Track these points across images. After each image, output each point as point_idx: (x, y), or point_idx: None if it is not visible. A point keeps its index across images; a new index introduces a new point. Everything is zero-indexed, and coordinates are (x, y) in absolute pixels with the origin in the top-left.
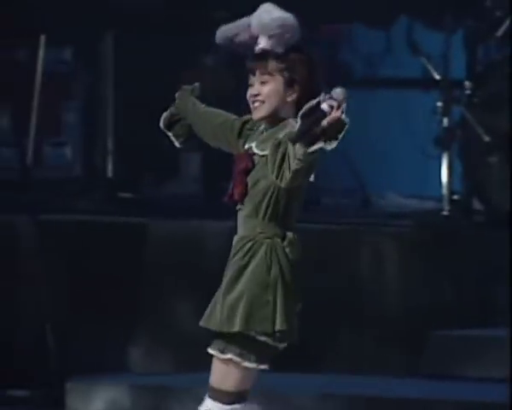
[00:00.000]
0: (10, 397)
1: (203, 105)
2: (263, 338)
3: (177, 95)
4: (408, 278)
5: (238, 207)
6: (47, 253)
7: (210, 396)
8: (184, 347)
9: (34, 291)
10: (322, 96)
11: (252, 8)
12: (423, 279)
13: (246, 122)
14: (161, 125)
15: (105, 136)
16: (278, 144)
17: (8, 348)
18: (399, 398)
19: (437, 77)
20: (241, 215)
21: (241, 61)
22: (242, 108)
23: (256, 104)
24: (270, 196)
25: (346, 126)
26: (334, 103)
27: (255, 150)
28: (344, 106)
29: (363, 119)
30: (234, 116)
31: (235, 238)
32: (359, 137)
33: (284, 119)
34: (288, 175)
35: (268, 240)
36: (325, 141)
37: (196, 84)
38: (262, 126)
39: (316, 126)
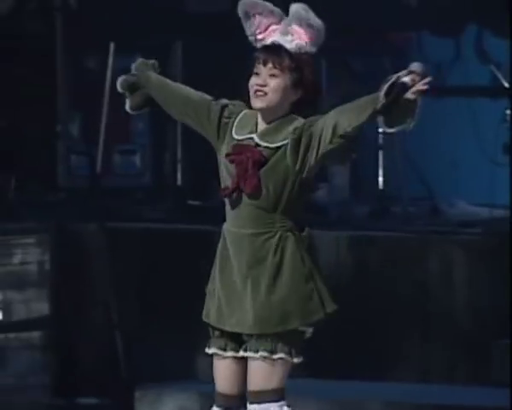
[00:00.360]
0: (80, 405)
1: (168, 80)
2: (309, 329)
3: (134, 66)
4: (477, 286)
5: (247, 201)
6: (116, 260)
7: (254, 401)
8: None
9: (103, 299)
10: (400, 73)
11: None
12: (492, 287)
13: (223, 108)
14: (119, 87)
15: (174, 144)
16: (299, 136)
17: (77, 356)
18: (467, 406)
19: (506, 85)
20: (247, 209)
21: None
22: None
23: (259, 93)
24: (291, 190)
25: (419, 104)
26: (417, 77)
27: (261, 142)
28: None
29: (431, 127)
30: (208, 96)
31: (237, 233)
32: (428, 145)
33: (282, 116)
34: (312, 162)
35: (289, 233)
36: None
37: (154, 61)
38: (241, 114)
39: (400, 100)
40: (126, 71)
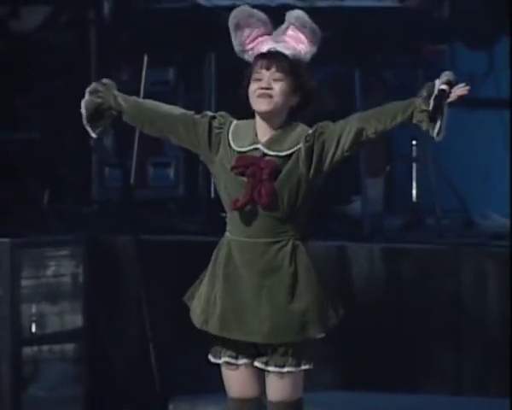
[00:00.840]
0: None
1: (135, 98)
2: (321, 335)
3: (94, 88)
4: (510, 298)
5: (260, 211)
6: (149, 272)
7: None
8: None
9: (136, 311)
10: (435, 82)
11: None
12: None
13: (212, 119)
14: (84, 110)
15: None
16: (312, 143)
17: (111, 369)
18: None
19: None
20: (260, 219)
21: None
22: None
23: (264, 97)
24: (303, 198)
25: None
26: (452, 83)
27: (269, 152)
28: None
29: (464, 139)
30: (185, 110)
31: (247, 242)
32: (461, 157)
33: (282, 124)
34: (325, 169)
35: (298, 241)
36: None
37: (108, 80)
38: (232, 126)
39: (442, 105)
40: (159, 83)
